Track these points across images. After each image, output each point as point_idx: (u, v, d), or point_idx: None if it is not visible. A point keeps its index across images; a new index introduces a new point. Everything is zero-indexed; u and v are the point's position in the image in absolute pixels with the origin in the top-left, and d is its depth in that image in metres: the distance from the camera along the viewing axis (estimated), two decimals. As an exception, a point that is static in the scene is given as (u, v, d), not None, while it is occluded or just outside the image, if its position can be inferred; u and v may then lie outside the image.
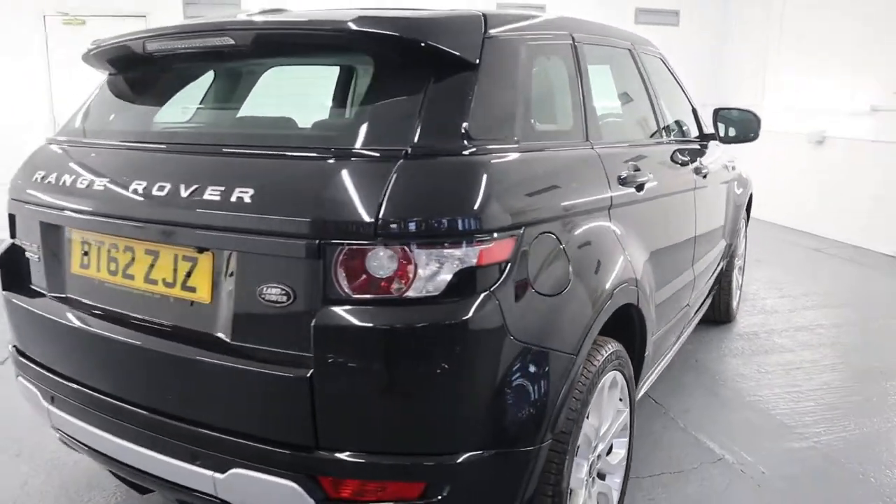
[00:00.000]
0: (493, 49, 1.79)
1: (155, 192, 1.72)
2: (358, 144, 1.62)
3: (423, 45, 1.64)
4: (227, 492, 1.69)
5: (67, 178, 1.96)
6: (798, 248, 6.90)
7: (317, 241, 1.51)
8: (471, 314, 1.52)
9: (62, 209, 1.97)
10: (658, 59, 3.28)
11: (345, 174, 1.56)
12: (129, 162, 1.90)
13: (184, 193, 1.67)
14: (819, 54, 7.34)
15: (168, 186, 1.71)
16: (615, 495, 2.28)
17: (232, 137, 1.94)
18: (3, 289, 2.19)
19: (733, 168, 4.04)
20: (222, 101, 2.29)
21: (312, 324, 1.52)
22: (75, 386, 1.95)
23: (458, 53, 1.69)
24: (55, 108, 7.19)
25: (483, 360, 1.57)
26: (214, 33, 1.82)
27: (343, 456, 1.57)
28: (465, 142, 1.63)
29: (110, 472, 2.29)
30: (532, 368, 1.67)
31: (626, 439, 2.33)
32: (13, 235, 2.21)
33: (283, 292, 1.56)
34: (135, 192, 1.77)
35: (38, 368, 2.08)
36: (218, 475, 1.68)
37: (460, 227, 1.52)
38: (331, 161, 1.61)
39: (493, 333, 1.57)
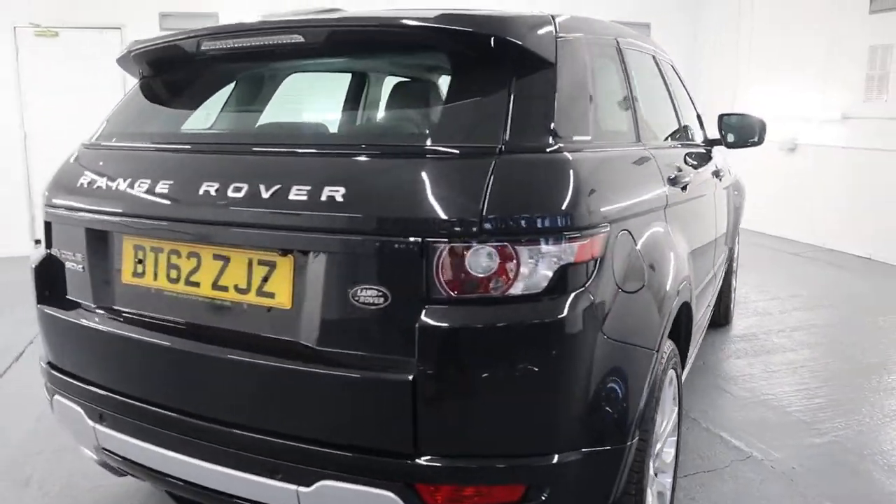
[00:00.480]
0: (566, 49, 1.79)
1: (230, 193, 1.66)
2: (450, 142, 1.60)
3: (508, 43, 1.64)
4: None
5: (119, 183, 1.88)
6: (776, 253, 7.10)
7: (419, 240, 1.47)
8: (572, 311, 1.51)
9: (113, 215, 1.89)
10: (670, 64, 3.34)
11: (442, 172, 1.54)
12: (193, 164, 1.83)
13: (265, 194, 1.62)
14: (788, 65, 7.60)
15: (245, 188, 1.65)
16: (668, 494, 2.29)
17: (311, 137, 1.89)
18: (39, 302, 2.08)
19: (730, 172, 4.14)
20: (292, 102, 2.24)
21: (417, 325, 1.48)
22: (131, 402, 1.86)
23: (539, 53, 1.69)
24: (25, 121, 6.93)
25: (581, 357, 1.56)
26: (282, 31, 1.77)
27: (443, 462, 1.53)
28: (552, 139, 1.62)
29: (167, 492, 2.19)
30: (622, 365, 1.67)
31: (676, 438, 2.35)
32: (49, 245, 2.11)
33: (379, 294, 1.52)
34: (205, 194, 1.70)
35: (82, 385, 1.97)
36: (303, 489, 1.61)
37: (560, 223, 1.51)
38: (425, 159, 1.58)
39: (589, 331, 1.56)
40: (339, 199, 1.54)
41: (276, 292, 1.66)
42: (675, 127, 2.94)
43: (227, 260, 1.72)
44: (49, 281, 2.08)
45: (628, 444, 1.68)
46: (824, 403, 3.48)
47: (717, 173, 3.23)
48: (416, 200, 1.51)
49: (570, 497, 1.62)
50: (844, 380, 3.79)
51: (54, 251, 2.08)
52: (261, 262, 1.68)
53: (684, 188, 2.37)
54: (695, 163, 3.01)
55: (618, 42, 2.30)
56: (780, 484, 2.74)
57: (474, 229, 1.47)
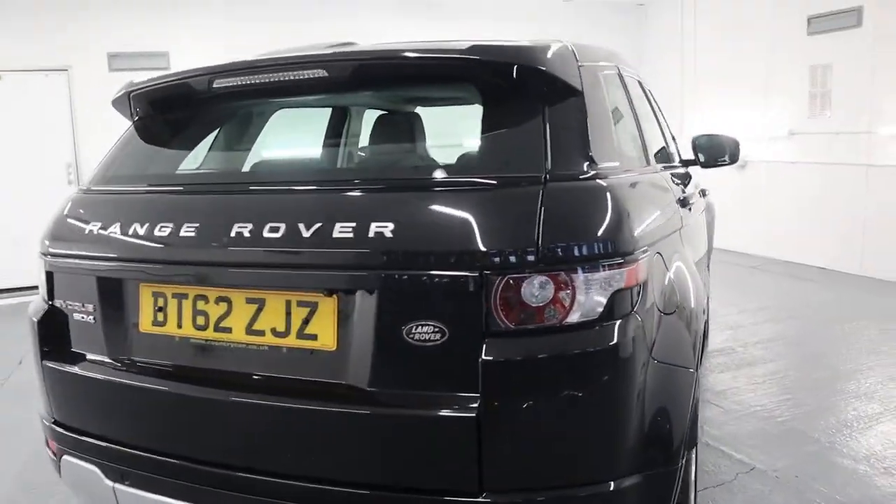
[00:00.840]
0: (588, 77, 1.82)
1: (266, 234, 1.61)
2: (492, 172, 1.60)
3: (540, 72, 1.65)
4: None
5: (134, 228, 1.80)
6: (736, 267, 7.31)
7: (477, 274, 1.45)
8: (626, 336, 1.51)
9: (129, 262, 1.81)
10: (648, 88, 3.45)
11: (491, 202, 1.53)
12: (220, 206, 1.77)
13: (306, 233, 1.57)
14: (733, 86, 7.94)
15: (283, 227, 1.60)
16: (692, 509, 2.30)
17: (348, 173, 1.85)
18: (43, 358, 1.96)
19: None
20: (316, 138, 2.18)
21: (480, 360, 1.45)
22: (159, 458, 1.76)
23: (568, 81, 1.71)
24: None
25: (636, 381, 1.56)
26: (310, 66, 1.74)
27: (508, 498, 1.50)
28: (589, 166, 1.64)
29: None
30: (670, 387, 1.68)
31: (694, 452, 2.36)
32: (51, 297, 1.99)
33: (436, 329, 1.49)
34: (237, 236, 1.64)
35: (99, 443, 1.86)
36: None
37: (610, 249, 1.51)
38: (471, 190, 1.57)
39: (641, 354, 1.56)
40: (388, 234, 1.51)
41: (319, 334, 1.60)
42: (664, 148, 3.02)
43: (262, 303, 1.66)
44: (53, 334, 1.96)
45: (680, 464, 1.68)
46: (813, 411, 3.58)
47: (703, 192, 3.33)
48: (469, 233, 1.49)
49: None
50: (827, 387, 3.91)
51: (58, 303, 1.97)
52: (300, 304, 1.62)
53: (690, 209, 2.42)
54: (685, 183, 3.09)
55: (618, 68, 2.36)
56: (787, 493, 2.78)
57: (531, 259, 1.46)
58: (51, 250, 1.96)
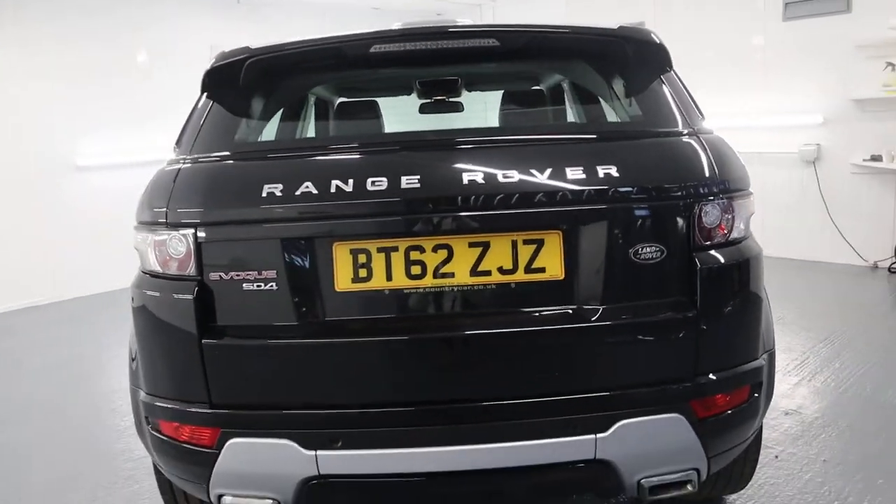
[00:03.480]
0: None
1: (501, 180, 1.79)
2: (664, 126, 2.01)
3: (663, 50, 2.13)
4: (608, 448, 1.83)
5: (335, 185, 1.82)
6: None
7: (685, 202, 1.85)
8: (758, 248, 2.03)
9: (321, 221, 1.83)
10: None
11: (681, 149, 1.94)
12: (439, 160, 1.89)
13: (540, 177, 1.80)
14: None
15: (516, 174, 1.80)
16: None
17: (558, 128, 2.06)
18: (204, 337, 1.85)
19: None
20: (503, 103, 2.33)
21: (698, 268, 1.84)
22: (377, 411, 1.84)
23: (670, 58, 2.17)
24: None
25: (763, 281, 2.07)
26: (475, 34, 1.95)
27: (711, 378, 1.90)
28: (705, 123, 2.11)
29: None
30: (765, 290, 2.21)
31: None
32: (200, 272, 1.87)
33: (657, 249, 1.84)
34: (470, 184, 1.79)
35: (295, 413, 1.85)
36: (601, 434, 1.82)
37: (743, 184, 2.01)
38: (659, 139, 1.97)
39: (762, 263, 2.08)
40: (614, 174, 1.82)
41: (547, 266, 1.84)
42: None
43: (486, 245, 1.83)
44: (211, 310, 1.86)
45: (775, 347, 2.24)
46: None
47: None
48: (674, 170, 1.88)
49: (765, 392, 2.10)
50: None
51: (214, 276, 1.86)
52: (526, 242, 1.84)
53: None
54: None
55: None
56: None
57: (716, 190, 1.90)
58: (208, 217, 1.85)
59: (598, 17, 7.74)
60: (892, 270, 6.25)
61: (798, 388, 3.82)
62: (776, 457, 3.05)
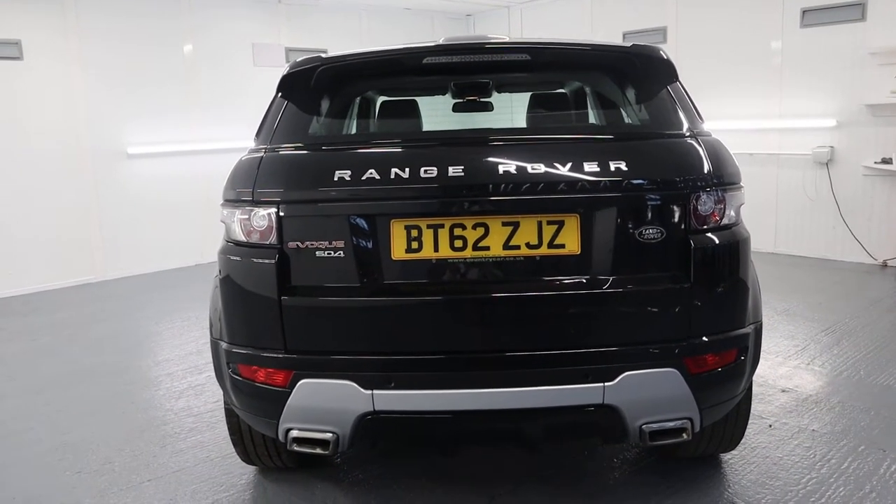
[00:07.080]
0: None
1: (531, 171, 2.18)
2: (666, 129, 2.39)
3: (670, 65, 2.50)
4: (615, 395, 2.21)
5: (394, 172, 2.21)
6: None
7: (683, 192, 2.23)
8: (747, 232, 2.39)
9: (386, 200, 2.23)
10: None
11: (679, 147, 2.31)
12: (478, 154, 2.27)
13: (562, 169, 2.18)
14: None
15: (542, 166, 2.19)
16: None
17: (578, 130, 2.45)
18: (282, 294, 2.25)
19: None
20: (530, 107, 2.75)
21: (692, 247, 2.21)
22: (425, 358, 2.22)
23: (676, 71, 2.54)
24: None
25: (751, 260, 2.43)
26: (511, 50, 2.34)
27: (702, 339, 2.27)
28: (704, 126, 2.47)
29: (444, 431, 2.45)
30: (754, 270, 2.55)
31: None
32: (281, 241, 2.28)
33: (658, 231, 2.21)
34: (505, 174, 2.18)
35: (355, 359, 2.24)
36: (608, 383, 2.20)
37: (737, 178, 2.37)
38: (664, 139, 2.34)
39: (749, 245, 2.43)
40: (624, 168, 2.19)
41: (566, 243, 2.22)
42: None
43: (516, 225, 2.22)
44: (290, 273, 2.26)
45: (761, 319, 2.59)
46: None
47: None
48: (675, 166, 2.26)
49: (751, 356, 2.46)
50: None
51: (293, 245, 2.26)
52: (549, 223, 2.22)
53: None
54: None
55: None
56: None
57: (711, 181, 2.26)
58: (290, 197, 2.26)
59: (620, 23, 8.09)
60: (900, 269, 6.51)
61: (797, 370, 4.15)
62: (770, 426, 3.39)
